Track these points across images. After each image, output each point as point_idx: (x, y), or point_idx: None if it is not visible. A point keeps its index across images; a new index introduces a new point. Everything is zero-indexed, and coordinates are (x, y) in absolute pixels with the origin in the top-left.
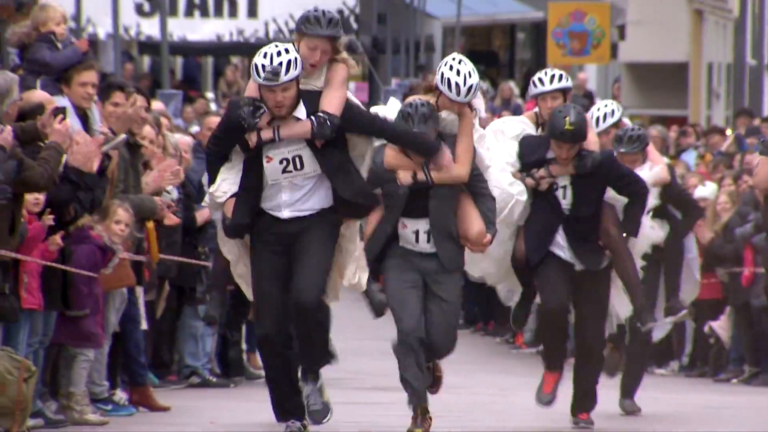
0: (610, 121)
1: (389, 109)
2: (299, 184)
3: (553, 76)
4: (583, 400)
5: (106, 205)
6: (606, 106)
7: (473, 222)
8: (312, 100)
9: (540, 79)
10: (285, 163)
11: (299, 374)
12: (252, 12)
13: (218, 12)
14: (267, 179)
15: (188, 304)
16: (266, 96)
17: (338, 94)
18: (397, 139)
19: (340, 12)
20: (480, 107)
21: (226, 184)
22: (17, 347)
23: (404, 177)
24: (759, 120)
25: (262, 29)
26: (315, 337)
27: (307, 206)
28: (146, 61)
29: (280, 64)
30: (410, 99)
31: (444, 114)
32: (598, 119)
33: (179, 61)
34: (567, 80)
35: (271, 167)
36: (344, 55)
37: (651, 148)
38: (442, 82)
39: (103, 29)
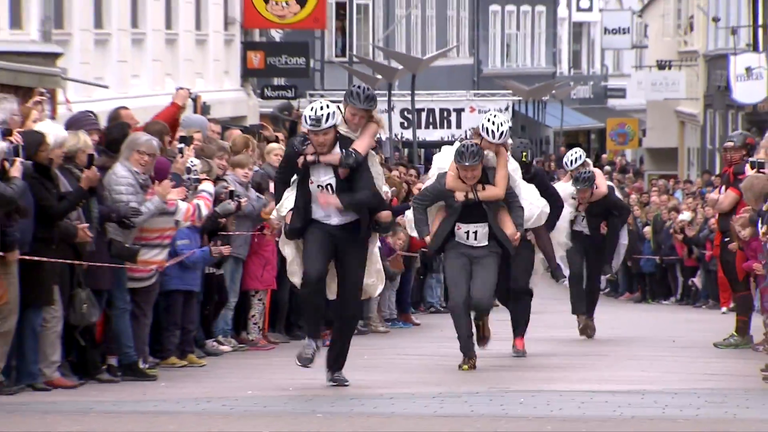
0: (577, 163)
1: (445, 154)
2: None
3: (577, 159)
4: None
5: None
6: (576, 152)
7: (508, 225)
8: (347, 143)
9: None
10: (320, 188)
11: (329, 364)
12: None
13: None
14: (312, 196)
15: None
16: (311, 137)
17: (366, 141)
18: (361, 200)
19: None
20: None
21: (287, 202)
22: None
23: (459, 195)
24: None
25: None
26: (349, 334)
27: (347, 218)
28: None
29: (322, 116)
30: (464, 142)
31: (486, 152)
32: (570, 161)
33: None
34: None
35: (312, 188)
36: (377, 116)
37: (599, 181)
38: (482, 130)
39: None
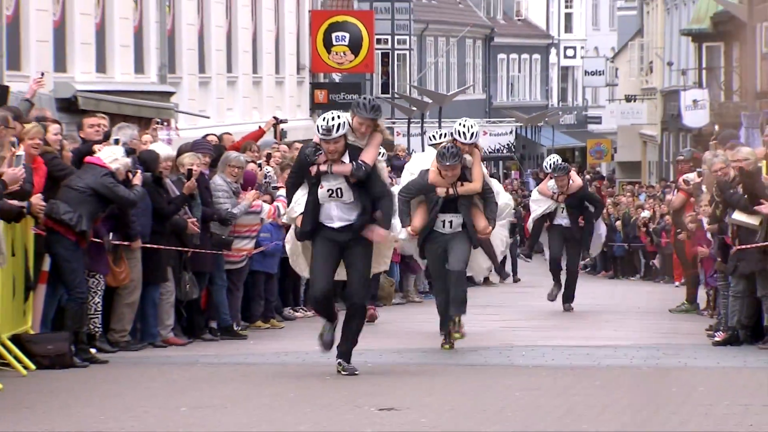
0: (554, 166)
1: (426, 155)
2: (343, 204)
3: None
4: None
5: None
6: (553, 157)
7: (479, 220)
8: (355, 152)
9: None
10: (329, 192)
11: (339, 352)
12: None
13: None
14: (319, 200)
15: None
16: (323, 145)
17: (373, 150)
18: (379, 200)
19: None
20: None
21: (298, 206)
22: None
23: (441, 191)
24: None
25: None
26: (357, 321)
27: (351, 218)
28: None
29: (333, 126)
30: (444, 145)
31: (466, 156)
32: (550, 165)
33: None
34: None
35: (321, 193)
36: (382, 126)
37: (573, 176)
38: (455, 133)
39: None
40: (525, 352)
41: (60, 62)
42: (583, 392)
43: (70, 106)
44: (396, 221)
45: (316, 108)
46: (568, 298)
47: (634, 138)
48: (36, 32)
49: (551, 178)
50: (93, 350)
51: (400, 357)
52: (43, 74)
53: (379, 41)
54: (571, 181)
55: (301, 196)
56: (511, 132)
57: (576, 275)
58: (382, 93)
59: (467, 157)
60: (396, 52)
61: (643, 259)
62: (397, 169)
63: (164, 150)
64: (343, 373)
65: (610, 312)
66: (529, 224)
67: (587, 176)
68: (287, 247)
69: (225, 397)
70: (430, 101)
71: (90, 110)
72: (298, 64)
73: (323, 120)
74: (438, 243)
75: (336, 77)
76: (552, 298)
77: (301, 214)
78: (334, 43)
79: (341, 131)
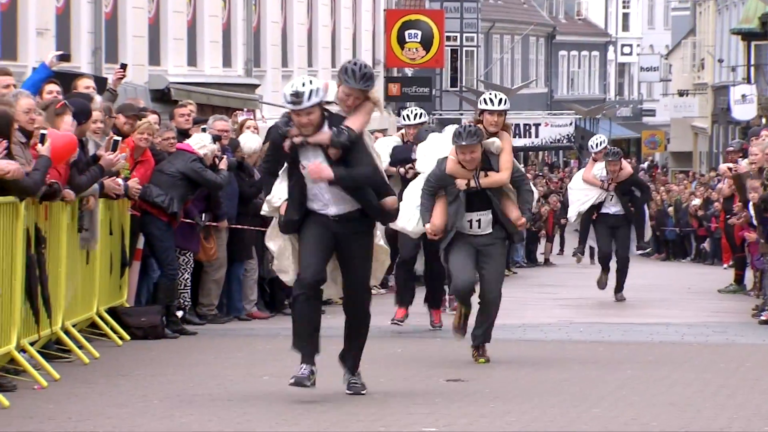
0: (601, 146)
1: (445, 136)
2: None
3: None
4: None
5: None
6: (599, 137)
7: (511, 210)
8: (337, 121)
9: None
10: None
11: (344, 364)
12: None
13: None
14: (306, 182)
15: None
16: (294, 118)
17: (361, 117)
18: (364, 182)
19: None
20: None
21: (279, 191)
22: None
23: (460, 183)
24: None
25: None
26: (361, 332)
27: (346, 207)
28: None
29: (303, 92)
30: (463, 123)
31: (490, 140)
32: (595, 144)
33: None
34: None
35: (305, 174)
36: (374, 96)
37: (624, 163)
38: (480, 103)
39: None
40: (582, 328)
41: (154, 56)
42: (637, 366)
43: (163, 97)
44: (406, 214)
45: (389, 100)
46: (620, 287)
47: (686, 130)
48: (132, 28)
49: (595, 161)
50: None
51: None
52: (124, 66)
53: (448, 38)
54: (621, 168)
55: (280, 185)
56: (570, 123)
57: (628, 261)
58: (451, 87)
59: (494, 142)
60: (464, 48)
61: (694, 243)
62: None
63: (253, 139)
64: (348, 392)
65: (662, 292)
66: (572, 216)
67: (644, 164)
68: (270, 246)
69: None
70: None
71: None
72: (374, 60)
73: (291, 86)
74: (467, 240)
75: (408, 72)
76: (602, 286)
77: (286, 200)
78: (407, 40)
79: (314, 99)
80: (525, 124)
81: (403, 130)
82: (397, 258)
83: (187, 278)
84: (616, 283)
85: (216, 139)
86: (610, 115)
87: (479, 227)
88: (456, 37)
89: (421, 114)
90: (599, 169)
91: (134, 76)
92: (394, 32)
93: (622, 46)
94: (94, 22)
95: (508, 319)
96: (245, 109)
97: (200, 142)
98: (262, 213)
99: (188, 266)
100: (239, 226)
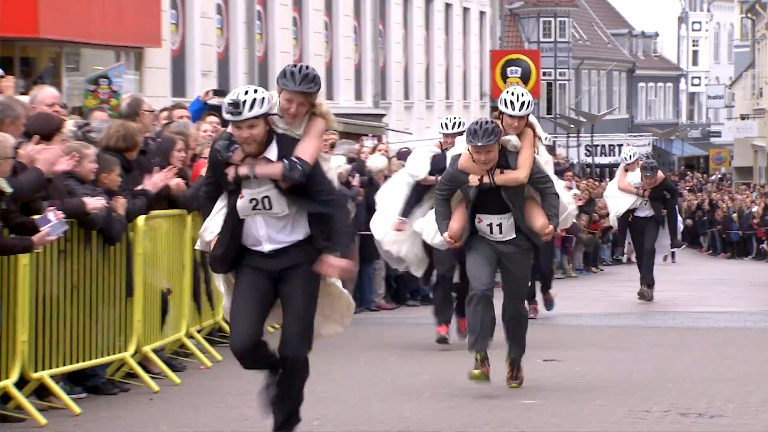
0: (633, 158)
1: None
2: (277, 219)
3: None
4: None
5: None
6: (630, 150)
7: (537, 217)
8: (287, 144)
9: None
10: (254, 202)
11: (270, 412)
12: None
13: None
14: (240, 214)
15: None
16: (234, 132)
17: (314, 143)
18: (323, 213)
19: None
20: (542, 134)
21: (213, 225)
22: None
23: (473, 180)
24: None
25: None
26: (294, 383)
27: (288, 238)
28: None
29: (244, 102)
30: (478, 119)
31: (507, 137)
32: (628, 156)
33: None
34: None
35: (241, 204)
36: (324, 109)
37: (659, 174)
38: (501, 104)
39: None
40: (658, 316)
41: None
42: (705, 348)
43: None
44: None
45: None
46: (650, 283)
47: (747, 148)
48: (280, 69)
49: (627, 170)
50: None
51: (564, 319)
52: (208, 92)
53: (544, 73)
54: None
55: (218, 211)
56: (648, 144)
57: (654, 254)
58: (546, 114)
59: (511, 140)
60: (558, 81)
61: (755, 244)
62: None
63: (380, 160)
64: None
65: (727, 285)
66: (612, 220)
67: (712, 177)
68: (218, 284)
69: (427, 348)
70: (584, 120)
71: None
72: (481, 91)
73: (232, 94)
74: (486, 244)
75: None
76: (650, 297)
77: (218, 234)
78: (509, 75)
79: (256, 110)
80: (609, 145)
81: (441, 139)
82: (432, 274)
83: None
84: (644, 275)
85: (349, 161)
86: (682, 136)
87: (500, 232)
88: (551, 72)
89: (460, 123)
90: (634, 177)
91: None
92: (498, 69)
93: (692, 78)
94: (249, 65)
95: (594, 308)
96: (371, 135)
97: (336, 162)
98: (195, 247)
99: None
100: (368, 232)
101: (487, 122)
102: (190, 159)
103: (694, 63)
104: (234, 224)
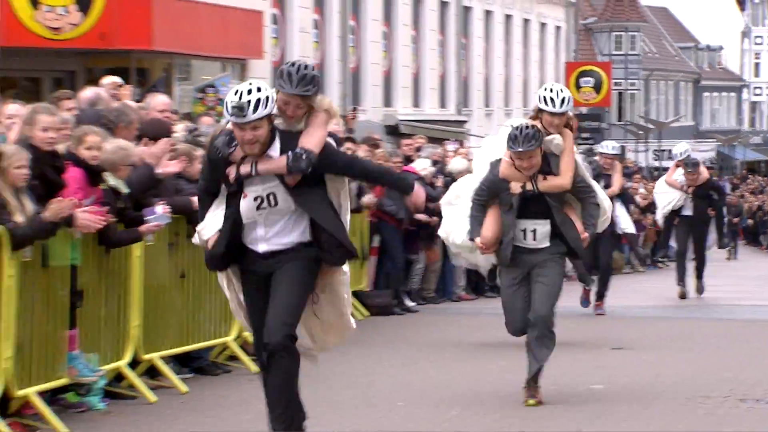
0: (684, 155)
1: (502, 139)
2: (275, 218)
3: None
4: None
5: None
6: (682, 146)
7: (575, 223)
8: (290, 140)
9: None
10: (259, 200)
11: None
12: None
13: None
14: (242, 216)
15: None
16: (237, 134)
17: (318, 132)
18: (373, 178)
19: None
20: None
21: (211, 221)
22: None
23: (515, 187)
24: None
25: None
26: (283, 385)
27: (285, 240)
28: None
29: (248, 102)
30: (518, 123)
31: (549, 137)
32: (679, 153)
33: None
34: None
35: (246, 204)
36: (324, 104)
37: (701, 169)
38: (539, 101)
39: None
40: (719, 309)
41: (387, 100)
42: (764, 339)
43: (393, 131)
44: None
45: None
46: (700, 288)
47: None
48: (371, 79)
49: (678, 166)
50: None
51: (632, 311)
52: (354, 109)
53: (615, 84)
54: (698, 175)
55: (214, 215)
56: (712, 149)
57: (705, 258)
58: (617, 121)
59: (554, 139)
60: (628, 91)
61: None
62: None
63: (461, 162)
64: None
65: None
66: (659, 219)
67: None
68: (222, 285)
69: (501, 338)
70: (652, 127)
71: (407, 134)
72: None
73: (234, 93)
74: (518, 263)
75: (583, 110)
76: (699, 292)
77: (218, 232)
78: (582, 85)
79: (261, 111)
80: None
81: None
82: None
83: (419, 268)
84: (696, 276)
85: (433, 163)
86: (744, 142)
87: (534, 239)
88: (621, 82)
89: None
90: (680, 174)
91: (372, 116)
92: (572, 79)
93: (754, 88)
94: (342, 75)
95: (658, 302)
96: (452, 139)
97: (422, 165)
98: (193, 242)
99: (412, 259)
100: None
101: (527, 127)
102: None
103: (756, 74)
104: (235, 226)
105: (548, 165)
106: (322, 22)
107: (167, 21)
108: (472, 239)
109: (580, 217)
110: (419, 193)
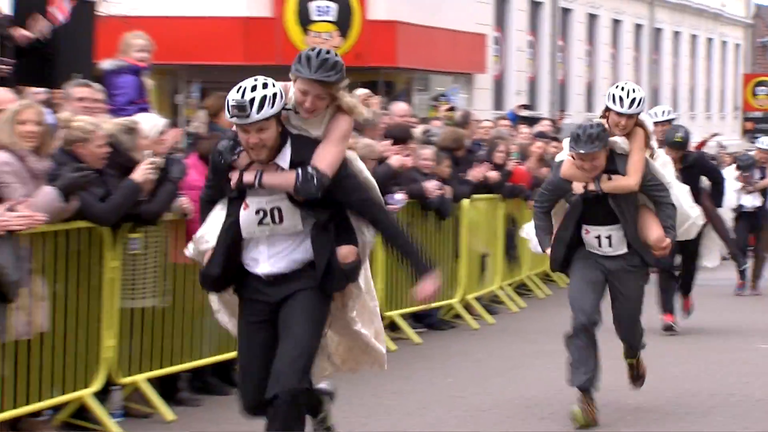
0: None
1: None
2: (279, 237)
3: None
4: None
5: None
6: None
7: (653, 229)
8: (303, 147)
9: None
10: (262, 214)
11: None
12: None
13: None
14: (242, 230)
15: None
16: (241, 137)
17: (335, 149)
18: (386, 236)
19: None
20: (653, 134)
21: (211, 232)
22: None
23: (578, 187)
24: None
25: None
26: (280, 424)
27: (292, 261)
28: None
29: (252, 100)
30: (583, 123)
31: (616, 138)
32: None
33: None
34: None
35: (246, 216)
36: (350, 103)
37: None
38: (608, 98)
39: None
40: None
41: (589, 106)
42: None
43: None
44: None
45: (745, 133)
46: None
47: None
48: (575, 89)
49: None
50: None
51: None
52: (562, 110)
53: None
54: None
55: (216, 216)
56: None
57: (764, 262)
58: None
59: (618, 141)
60: None
61: None
62: None
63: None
64: None
65: None
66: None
67: None
68: (210, 297)
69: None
70: None
71: None
72: (735, 105)
73: (237, 90)
74: (593, 261)
75: (758, 114)
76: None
77: (213, 249)
78: (757, 93)
79: (266, 110)
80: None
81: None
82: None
83: None
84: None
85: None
86: None
87: (609, 245)
88: None
89: (669, 111)
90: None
91: (575, 119)
92: (749, 88)
93: None
94: (552, 85)
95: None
96: None
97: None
98: (186, 254)
99: None
100: None
101: (592, 126)
102: (505, 158)
103: None
104: (232, 241)
105: (614, 164)
106: (536, 42)
107: (409, 43)
108: (543, 251)
109: (657, 221)
110: (428, 286)
